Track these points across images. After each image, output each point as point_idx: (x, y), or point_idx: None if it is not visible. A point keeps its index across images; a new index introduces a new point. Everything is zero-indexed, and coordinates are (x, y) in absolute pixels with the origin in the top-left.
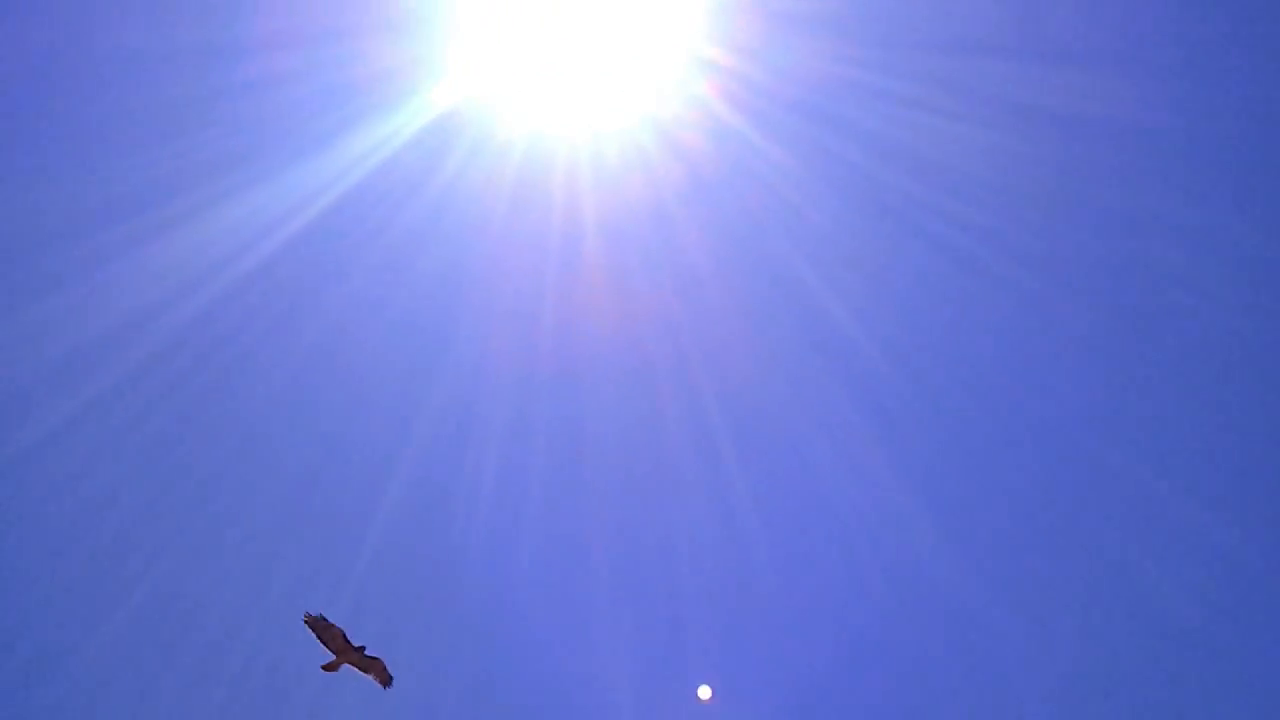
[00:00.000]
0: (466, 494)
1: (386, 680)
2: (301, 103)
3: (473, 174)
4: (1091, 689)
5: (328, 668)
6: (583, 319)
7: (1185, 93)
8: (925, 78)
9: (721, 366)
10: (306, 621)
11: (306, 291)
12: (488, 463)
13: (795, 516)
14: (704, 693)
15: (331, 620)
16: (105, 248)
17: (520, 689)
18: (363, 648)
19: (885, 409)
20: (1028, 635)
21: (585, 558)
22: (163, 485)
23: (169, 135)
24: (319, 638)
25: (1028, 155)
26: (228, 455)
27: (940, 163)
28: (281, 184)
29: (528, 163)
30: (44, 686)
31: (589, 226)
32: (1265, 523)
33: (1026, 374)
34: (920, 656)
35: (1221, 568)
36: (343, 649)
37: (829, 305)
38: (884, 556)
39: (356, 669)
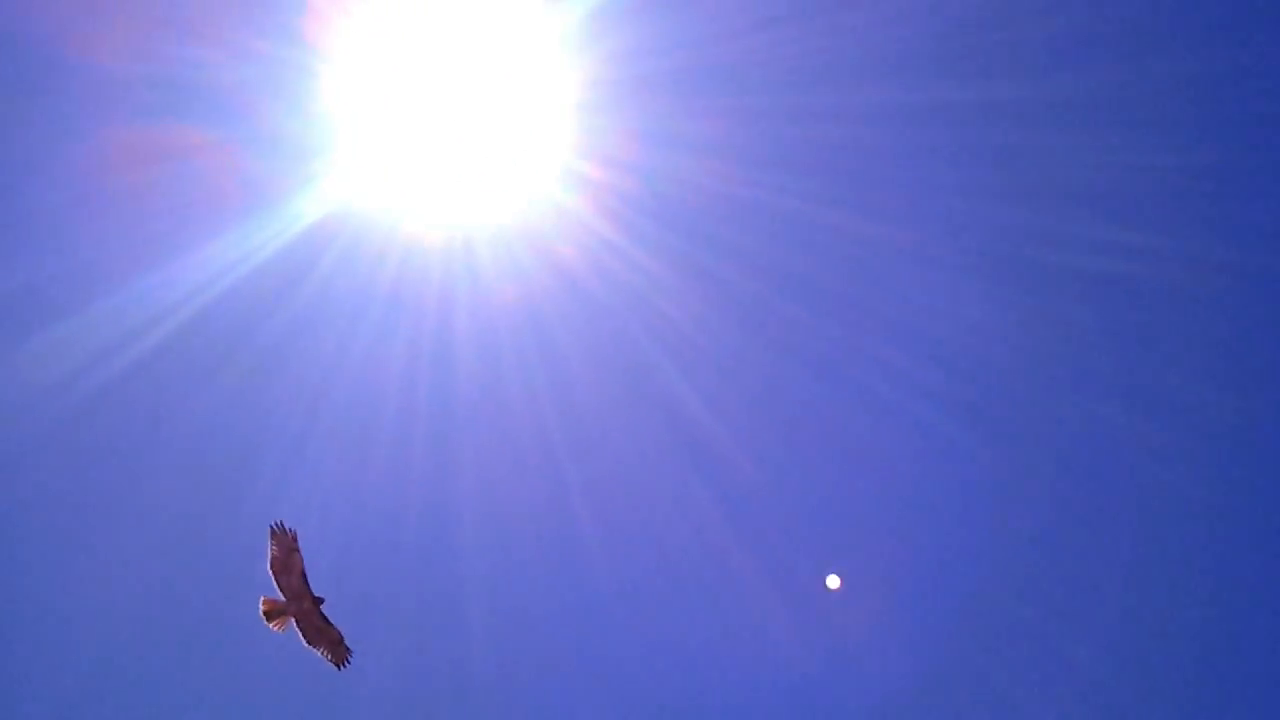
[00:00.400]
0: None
1: (342, 658)
2: (167, 213)
3: (342, 286)
4: None
5: (271, 615)
6: (455, 432)
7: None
8: (795, 194)
9: (593, 477)
10: (272, 532)
11: (165, 403)
12: (359, 574)
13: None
14: (832, 582)
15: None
16: None
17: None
18: (322, 600)
19: (756, 522)
20: None
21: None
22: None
23: (33, 244)
24: (274, 562)
25: (893, 273)
26: (70, 566)
27: (811, 278)
28: (140, 295)
29: (400, 274)
30: None
31: (461, 338)
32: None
33: (892, 485)
34: None
35: None
36: (299, 593)
37: (701, 417)
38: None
39: (306, 637)
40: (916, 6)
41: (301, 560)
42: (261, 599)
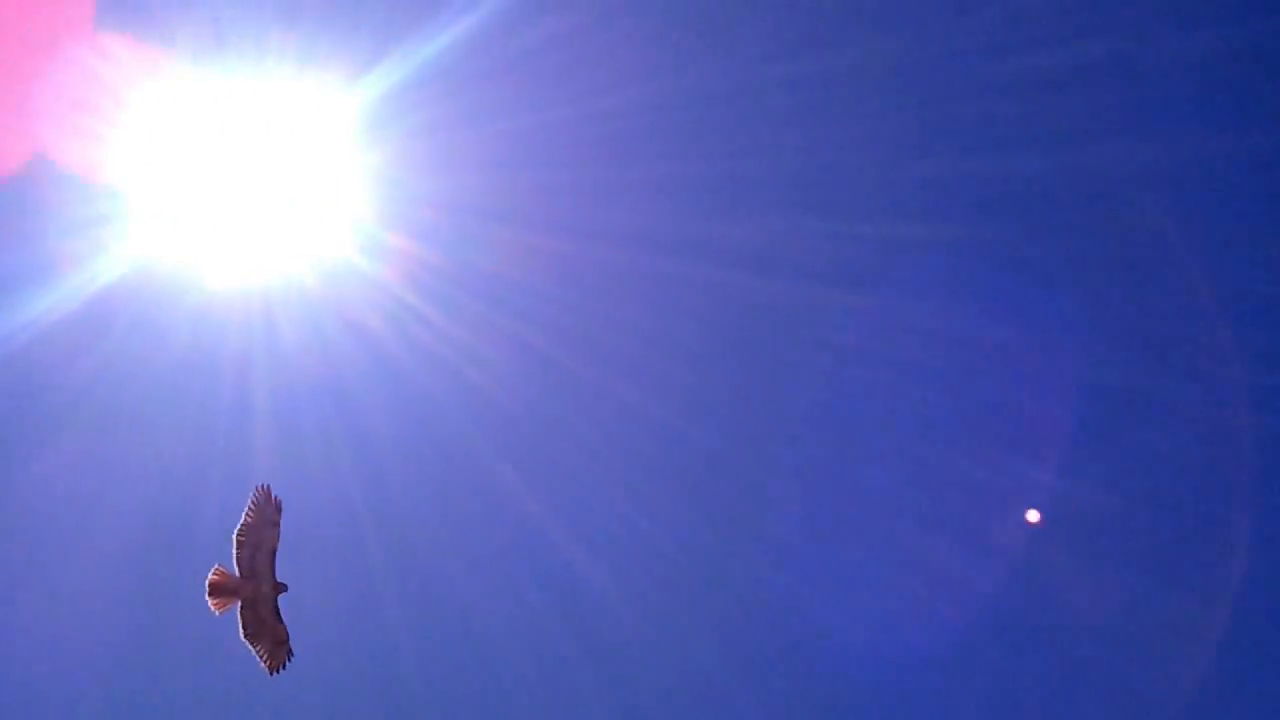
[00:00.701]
0: None
1: (280, 663)
2: None
3: (135, 353)
4: None
5: (219, 590)
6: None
7: None
8: (609, 266)
9: (403, 551)
10: (255, 496)
11: None
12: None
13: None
14: (1033, 516)
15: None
16: None
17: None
18: (283, 589)
19: (566, 591)
20: None
21: None
22: None
23: None
24: (246, 529)
25: (708, 343)
26: None
27: (627, 349)
28: None
29: (195, 343)
30: None
31: (260, 409)
32: None
33: (691, 562)
34: None
35: None
36: (263, 574)
37: (513, 488)
38: None
39: (247, 627)
40: (708, 84)
41: (277, 538)
42: (216, 568)
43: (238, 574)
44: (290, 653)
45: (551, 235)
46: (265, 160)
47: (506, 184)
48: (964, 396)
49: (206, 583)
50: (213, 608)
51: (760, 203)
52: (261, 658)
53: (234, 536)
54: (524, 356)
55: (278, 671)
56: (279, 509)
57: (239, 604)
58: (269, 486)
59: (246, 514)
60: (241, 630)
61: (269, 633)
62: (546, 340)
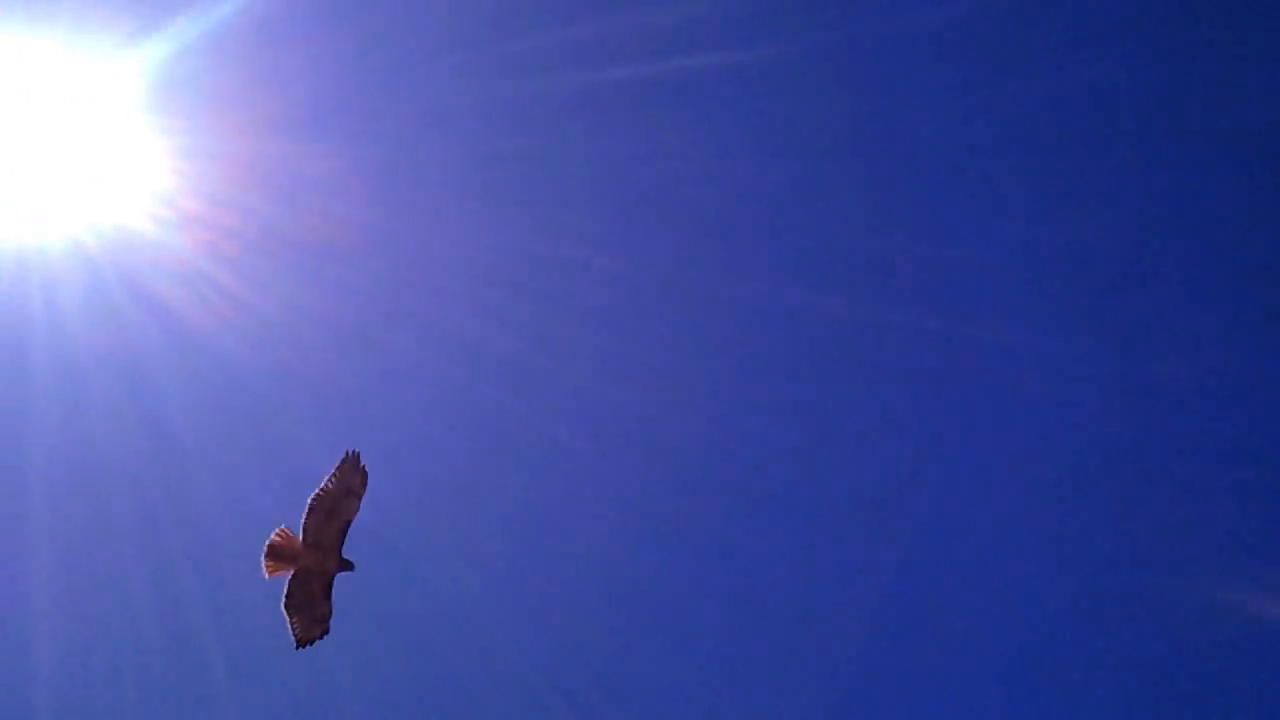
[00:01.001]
0: None
1: (310, 638)
2: None
3: None
4: None
5: (277, 554)
6: (32, 507)
7: None
8: (407, 238)
9: (197, 532)
10: (344, 460)
11: None
12: None
13: None
14: None
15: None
16: None
17: None
18: (348, 568)
19: (380, 570)
20: None
21: None
22: None
23: None
24: (325, 496)
25: (495, 309)
26: None
27: (429, 320)
28: None
29: None
30: None
31: (40, 387)
32: None
33: (500, 536)
34: None
35: None
36: (330, 548)
37: (315, 462)
38: None
39: (292, 598)
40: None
41: (355, 511)
42: (280, 529)
43: (302, 540)
44: (326, 631)
45: (354, 203)
46: (43, 123)
47: (307, 150)
48: None
49: (266, 543)
50: (265, 571)
51: (561, 175)
52: (294, 630)
53: (308, 501)
54: (329, 327)
55: (305, 646)
56: (365, 480)
57: (291, 575)
58: (358, 453)
59: (329, 479)
60: (284, 599)
61: (315, 609)
62: (350, 309)
